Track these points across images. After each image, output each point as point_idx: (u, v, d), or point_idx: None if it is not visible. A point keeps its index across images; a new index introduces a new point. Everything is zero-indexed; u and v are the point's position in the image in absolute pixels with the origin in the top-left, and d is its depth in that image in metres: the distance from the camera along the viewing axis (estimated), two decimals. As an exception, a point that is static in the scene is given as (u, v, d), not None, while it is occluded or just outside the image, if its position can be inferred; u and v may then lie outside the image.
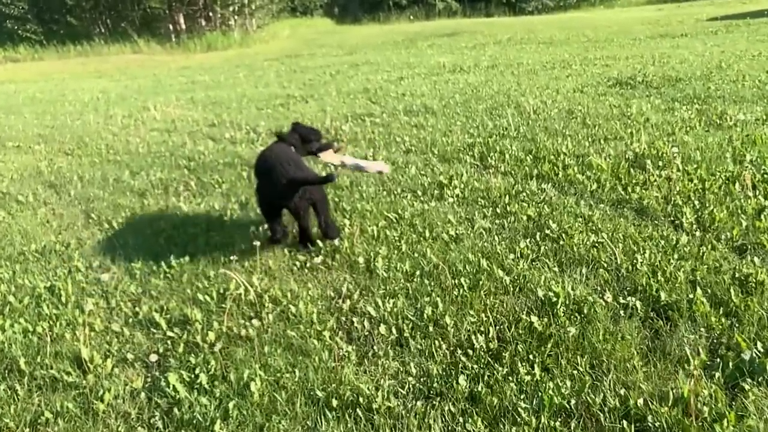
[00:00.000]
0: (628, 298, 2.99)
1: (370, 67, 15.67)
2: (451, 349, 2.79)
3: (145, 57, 27.19)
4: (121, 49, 29.05)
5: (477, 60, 14.72)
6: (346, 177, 5.54)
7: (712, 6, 31.04)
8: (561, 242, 3.70)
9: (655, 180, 4.65)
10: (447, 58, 15.96)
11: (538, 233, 3.86)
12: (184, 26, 31.77)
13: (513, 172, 5.26)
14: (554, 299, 3.03)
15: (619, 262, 3.38)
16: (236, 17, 32.40)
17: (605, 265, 3.40)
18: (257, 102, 11.03)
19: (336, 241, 4.00)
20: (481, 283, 3.27)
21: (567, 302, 3.02)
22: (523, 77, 11.02)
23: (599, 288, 3.19)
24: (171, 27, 31.74)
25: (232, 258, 3.92)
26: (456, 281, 3.32)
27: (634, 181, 4.68)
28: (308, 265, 3.78)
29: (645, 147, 5.50)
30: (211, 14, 31.83)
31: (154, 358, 2.92)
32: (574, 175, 4.92)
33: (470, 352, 2.73)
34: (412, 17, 44.74)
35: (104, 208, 5.34)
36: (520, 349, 2.70)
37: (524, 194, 4.64)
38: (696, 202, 4.14)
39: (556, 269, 3.41)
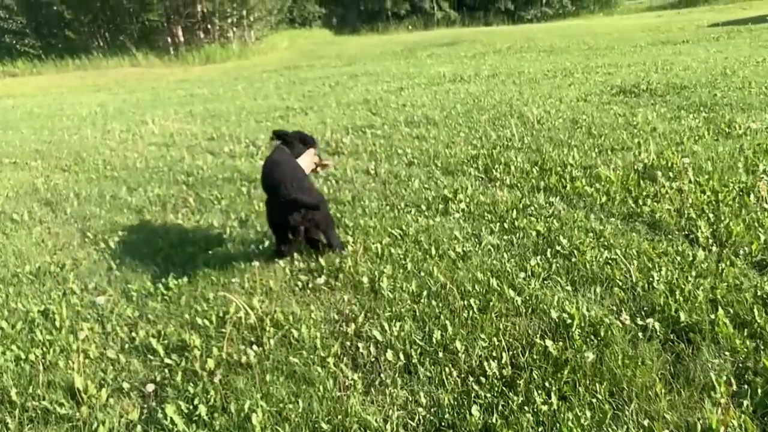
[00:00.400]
0: (647, 320, 2.85)
1: (370, 77, 15.60)
2: (463, 376, 2.64)
3: (143, 70, 27.15)
4: (119, 63, 29.02)
5: (477, 69, 14.65)
6: (347, 192, 5.42)
7: (712, 12, 31.07)
8: (573, 259, 3.56)
9: (667, 192, 4.52)
10: (447, 67, 15.89)
11: (549, 250, 3.72)
12: (182, 39, 31.78)
13: (519, 184, 5.13)
14: (569, 321, 2.89)
15: (634, 281, 3.25)
16: (234, 29, 32.41)
17: (620, 283, 3.26)
18: (256, 114, 10.93)
19: (337, 261, 3.88)
20: (491, 304, 3.13)
21: (582, 324, 2.88)
22: (525, 86, 10.92)
23: (615, 308, 3.05)
24: (169, 40, 31.75)
25: (232, 280, 3.79)
26: (465, 302, 3.18)
27: (644, 194, 4.55)
28: (310, 285, 3.64)
29: (654, 157, 5.38)
30: (209, 26, 31.84)
31: (150, 387, 2.78)
32: (583, 188, 4.80)
33: (482, 379, 2.59)
34: (410, 27, 44.86)
35: (101, 226, 5.21)
36: (536, 376, 2.56)
37: (532, 208, 4.50)
38: (710, 215, 4.01)
39: (569, 288, 3.28)
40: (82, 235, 5.05)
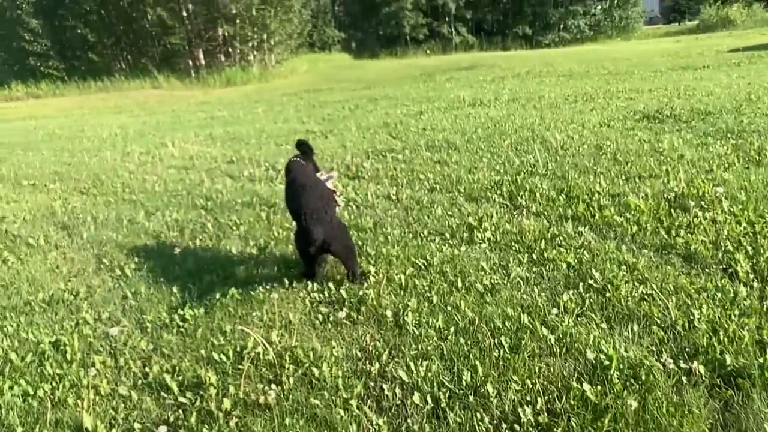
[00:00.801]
0: (692, 364, 2.66)
1: (389, 101, 15.57)
2: (495, 422, 2.47)
3: (164, 92, 27.46)
4: (141, 85, 29.42)
5: (497, 93, 14.55)
6: (369, 218, 5.29)
7: (730, 37, 30.90)
8: (607, 294, 3.38)
9: (701, 223, 4.33)
10: (466, 91, 15.83)
11: (581, 284, 3.55)
12: (203, 61, 32.19)
13: (546, 213, 4.97)
14: (606, 363, 2.71)
15: (673, 319, 3.06)
16: (255, 53, 32.77)
17: (658, 321, 3.07)
18: (276, 138, 10.89)
19: (359, 292, 3.73)
20: (523, 343, 2.96)
21: (621, 366, 2.70)
22: (546, 111, 10.79)
23: (655, 349, 2.86)
24: (191, 62, 32.18)
25: (250, 311, 3.66)
26: (495, 340, 3.01)
27: (677, 224, 4.36)
28: (331, 318, 3.49)
29: (684, 186, 5.20)
30: (230, 50, 32.22)
31: (163, 429, 2.63)
32: (612, 217, 4.62)
33: (517, 427, 2.42)
34: (428, 51, 45.20)
35: (117, 252, 5.11)
36: (574, 424, 2.39)
37: (561, 238, 4.33)
38: (748, 248, 3.82)
39: (604, 326, 3.09)
40: (97, 261, 4.96)
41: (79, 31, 34.78)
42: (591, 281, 3.56)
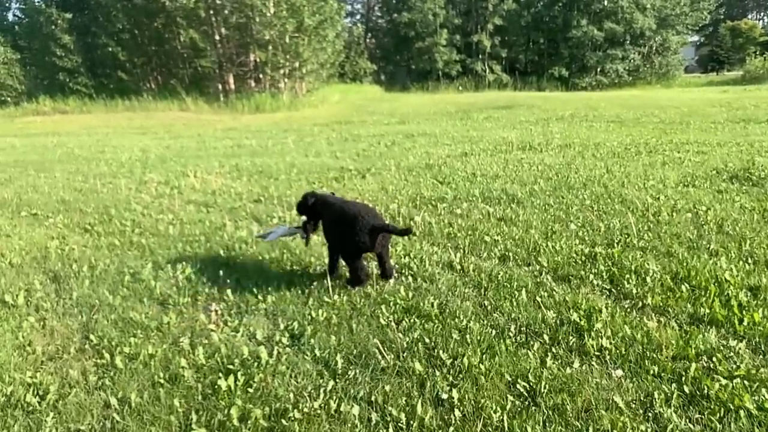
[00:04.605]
0: None
1: (427, 138, 14.51)
2: None
3: (191, 115, 26.76)
4: (168, 106, 28.85)
5: (546, 137, 13.44)
6: (431, 297, 4.12)
7: (781, 89, 29.73)
8: None
9: None
10: (511, 133, 14.74)
11: (790, 459, 2.34)
12: (233, 86, 31.60)
13: (669, 309, 3.76)
14: None
15: None
16: (286, 80, 32.08)
17: None
18: (308, 174, 9.80)
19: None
20: None
21: None
22: (610, 162, 9.62)
23: None
24: (220, 86, 31.61)
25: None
26: None
27: None
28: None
29: None
30: (261, 76, 31.60)
31: None
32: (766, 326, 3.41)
33: None
34: (461, 87, 44.55)
35: (109, 323, 3.97)
36: None
37: (710, 359, 3.11)
38: None
39: None
40: (83, 337, 3.81)
41: (110, 49, 34.59)
42: (804, 454, 2.34)
